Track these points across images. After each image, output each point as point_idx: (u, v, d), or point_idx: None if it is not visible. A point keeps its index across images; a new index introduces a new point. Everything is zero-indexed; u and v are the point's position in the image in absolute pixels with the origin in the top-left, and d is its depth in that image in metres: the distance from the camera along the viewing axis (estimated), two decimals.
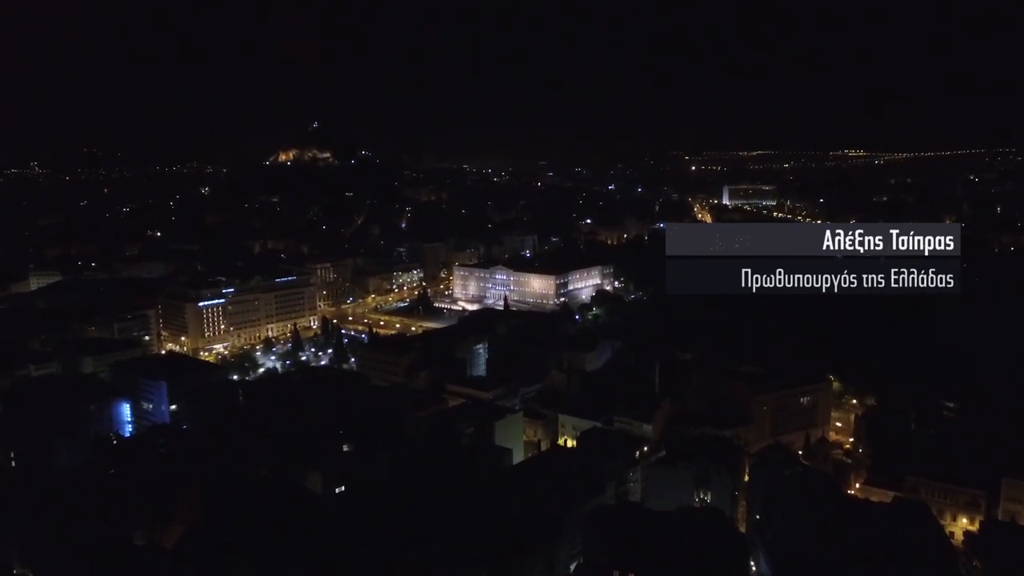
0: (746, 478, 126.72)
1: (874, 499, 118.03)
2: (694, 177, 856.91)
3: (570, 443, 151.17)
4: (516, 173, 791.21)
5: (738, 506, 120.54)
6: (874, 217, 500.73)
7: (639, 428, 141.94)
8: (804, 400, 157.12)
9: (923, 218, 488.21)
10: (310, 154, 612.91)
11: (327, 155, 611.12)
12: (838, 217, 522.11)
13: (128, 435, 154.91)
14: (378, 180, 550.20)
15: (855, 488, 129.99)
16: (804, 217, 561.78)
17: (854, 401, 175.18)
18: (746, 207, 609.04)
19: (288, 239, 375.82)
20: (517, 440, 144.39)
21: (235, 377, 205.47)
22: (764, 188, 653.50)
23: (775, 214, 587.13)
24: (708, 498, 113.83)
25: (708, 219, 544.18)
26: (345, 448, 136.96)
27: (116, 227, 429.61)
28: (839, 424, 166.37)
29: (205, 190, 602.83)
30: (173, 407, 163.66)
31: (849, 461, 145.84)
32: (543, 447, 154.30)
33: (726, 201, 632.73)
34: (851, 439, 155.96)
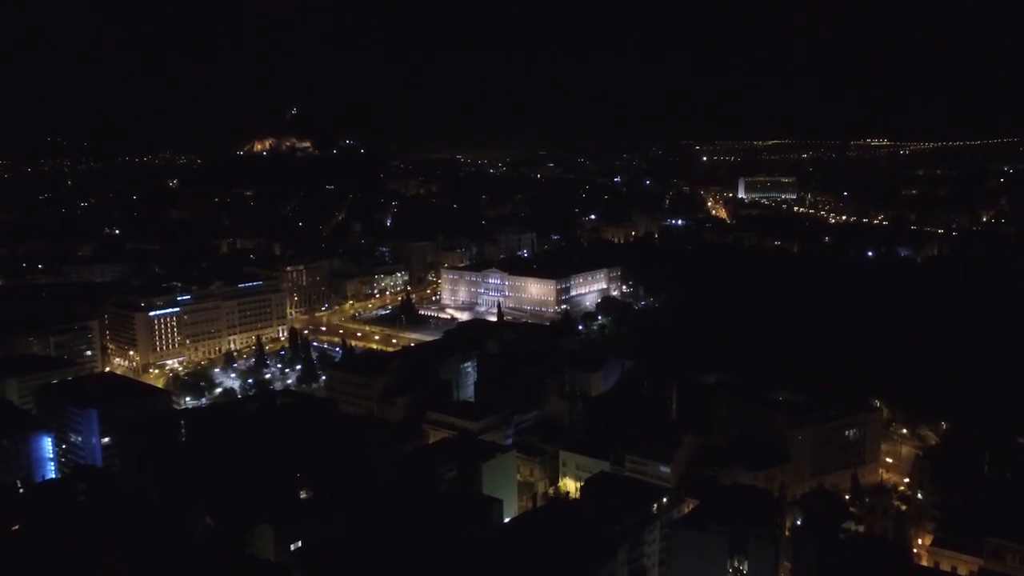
0: (787, 532, 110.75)
1: (947, 566, 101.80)
2: (706, 168, 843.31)
3: (572, 486, 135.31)
4: (514, 164, 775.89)
5: (780, 572, 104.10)
6: (904, 212, 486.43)
7: (656, 470, 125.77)
8: (850, 433, 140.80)
9: (958, 213, 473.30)
10: (288, 143, 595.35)
11: (307, 144, 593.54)
12: (865, 212, 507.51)
13: (45, 478, 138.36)
14: (362, 172, 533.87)
15: (919, 547, 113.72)
16: (827, 212, 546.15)
17: (904, 431, 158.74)
18: (764, 201, 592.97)
19: (259, 237, 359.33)
20: (509, 484, 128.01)
21: (187, 400, 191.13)
22: (783, 180, 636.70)
23: (796, 209, 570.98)
24: (744, 568, 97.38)
25: (723, 214, 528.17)
26: (303, 495, 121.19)
27: (70, 224, 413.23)
28: (889, 460, 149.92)
29: (173, 183, 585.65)
30: (105, 440, 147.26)
31: (904, 508, 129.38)
32: (540, 490, 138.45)
33: (742, 194, 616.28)
34: (906, 479, 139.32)
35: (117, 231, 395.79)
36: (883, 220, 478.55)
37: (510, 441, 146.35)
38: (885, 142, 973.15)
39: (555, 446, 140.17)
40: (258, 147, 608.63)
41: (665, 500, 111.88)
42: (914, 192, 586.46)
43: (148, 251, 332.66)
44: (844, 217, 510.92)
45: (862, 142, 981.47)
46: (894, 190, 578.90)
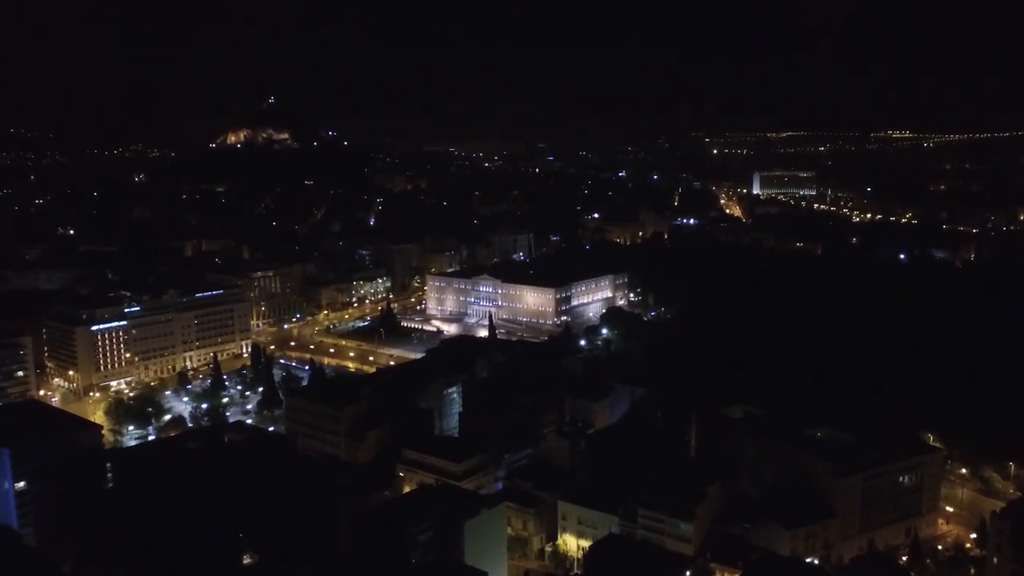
0: None
1: None
2: (717, 162, 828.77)
3: (572, 544, 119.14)
4: (511, 157, 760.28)
5: None
6: (934, 210, 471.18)
7: (675, 529, 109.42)
8: (905, 480, 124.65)
9: (991, 210, 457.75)
10: (264, 135, 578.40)
11: (285, 136, 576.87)
12: (892, 210, 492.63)
13: None
14: (344, 166, 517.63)
15: None
16: (850, 209, 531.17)
17: (963, 471, 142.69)
18: (780, 197, 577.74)
19: (228, 239, 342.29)
20: (498, 545, 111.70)
21: (130, 429, 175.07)
22: (801, 175, 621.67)
23: (816, 206, 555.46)
24: None
25: (737, 212, 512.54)
26: (247, 560, 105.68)
27: (23, 223, 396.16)
28: (949, 508, 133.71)
29: (140, 177, 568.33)
30: (20, 485, 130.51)
31: (974, 573, 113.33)
32: (535, 547, 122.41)
33: (757, 190, 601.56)
34: (972, 535, 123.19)
35: (72, 231, 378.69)
36: (911, 219, 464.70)
37: (500, 486, 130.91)
38: (907, 134, 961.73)
39: (553, 494, 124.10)
40: (232, 139, 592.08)
41: (688, 574, 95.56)
42: (943, 188, 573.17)
43: (103, 254, 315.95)
44: (869, 215, 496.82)
45: (882, 134, 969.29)
46: (921, 186, 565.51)
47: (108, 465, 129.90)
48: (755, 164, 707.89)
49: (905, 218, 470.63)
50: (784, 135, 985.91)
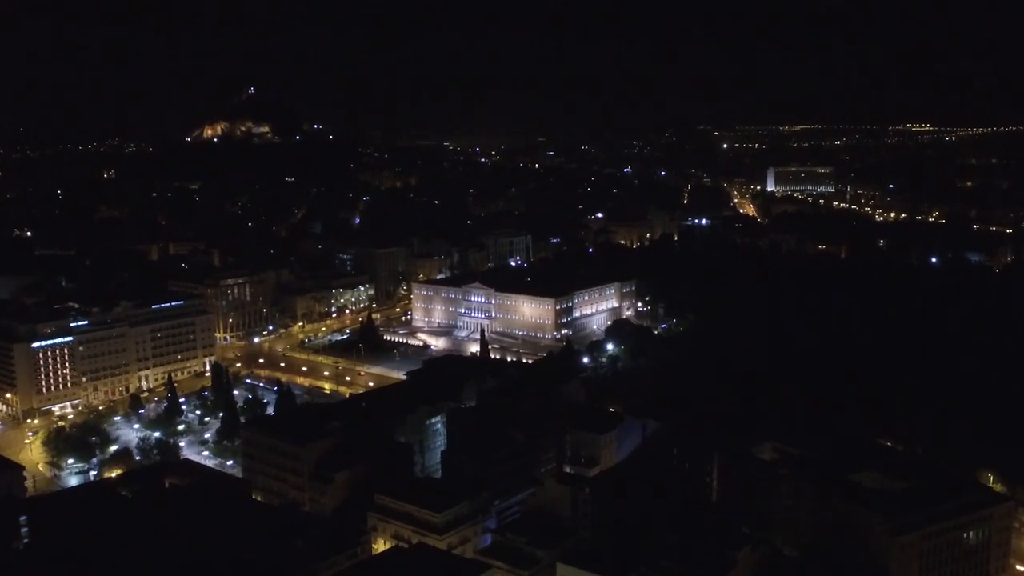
0: None
1: None
2: (727, 157, 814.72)
3: None
4: (509, 152, 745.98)
5: None
6: (962, 208, 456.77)
7: None
8: (970, 536, 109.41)
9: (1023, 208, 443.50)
10: (243, 128, 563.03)
11: (265, 129, 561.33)
12: (917, 208, 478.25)
13: None
14: (329, 161, 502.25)
15: None
16: (872, 208, 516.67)
17: None
18: (797, 194, 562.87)
19: (198, 241, 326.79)
20: None
21: (69, 463, 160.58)
22: (818, 171, 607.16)
23: (835, 204, 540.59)
24: None
25: (751, 210, 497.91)
26: None
27: None
28: (1019, 567, 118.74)
29: (109, 174, 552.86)
30: None
31: None
32: None
33: (771, 187, 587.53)
34: None
35: (29, 233, 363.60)
36: (939, 217, 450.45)
37: (488, 540, 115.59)
38: (927, 127, 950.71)
39: (551, 553, 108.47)
40: (208, 133, 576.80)
41: None
42: (970, 184, 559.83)
43: (60, 258, 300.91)
44: (893, 214, 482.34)
45: (901, 127, 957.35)
46: (947, 182, 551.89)
47: (23, 518, 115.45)
48: (768, 159, 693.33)
49: (932, 217, 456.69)
50: (798, 128, 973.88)
